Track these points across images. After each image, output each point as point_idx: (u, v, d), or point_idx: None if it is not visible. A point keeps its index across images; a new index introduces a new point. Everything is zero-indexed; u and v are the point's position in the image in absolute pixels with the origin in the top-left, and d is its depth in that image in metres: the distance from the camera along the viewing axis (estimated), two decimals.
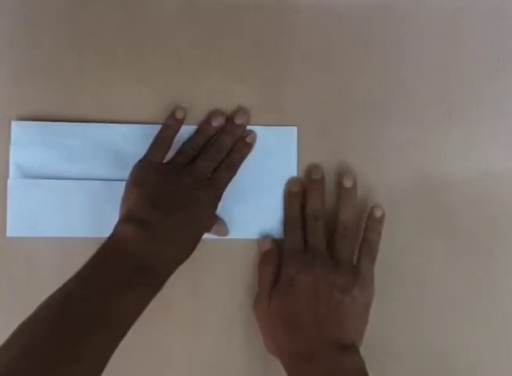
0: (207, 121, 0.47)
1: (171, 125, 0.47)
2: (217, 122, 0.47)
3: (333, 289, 0.42)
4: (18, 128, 0.47)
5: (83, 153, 0.47)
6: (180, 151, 0.47)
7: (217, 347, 0.47)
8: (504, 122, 0.49)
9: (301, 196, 0.47)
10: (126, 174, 0.44)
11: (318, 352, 0.41)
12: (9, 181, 0.46)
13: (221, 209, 0.46)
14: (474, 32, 0.49)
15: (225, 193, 0.46)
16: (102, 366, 0.36)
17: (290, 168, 0.48)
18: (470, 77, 0.49)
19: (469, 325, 0.47)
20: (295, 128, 0.48)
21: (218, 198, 0.45)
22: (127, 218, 0.41)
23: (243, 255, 0.47)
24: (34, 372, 0.33)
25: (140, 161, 0.45)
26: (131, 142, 0.47)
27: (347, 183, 0.46)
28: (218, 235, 0.47)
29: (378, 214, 0.46)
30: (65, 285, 0.37)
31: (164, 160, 0.46)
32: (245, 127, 0.48)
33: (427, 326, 0.47)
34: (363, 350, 0.42)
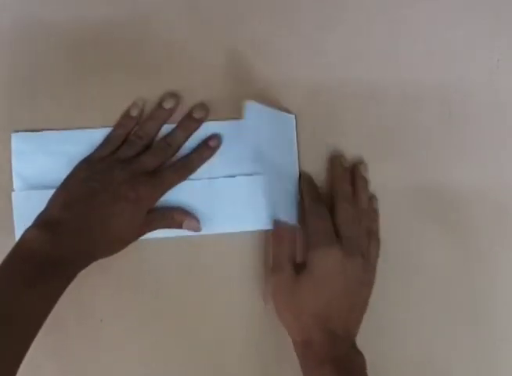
0: (159, 103, 0.45)
1: (124, 124, 0.46)
2: (168, 104, 0.45)
3: (362, 287, 0.44)
4: (18, 139, 0.47)
5: None
6: (127, 142, 0.45)
7: (216, 346, 0.47)
8: (504, 122, 0.49)
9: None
10: None
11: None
12: (13, 194, 0.46)
13: (220, 204, 0.46)
14: (474, 32, 0.49)
15: (223, 186, 0.45)
16: (15, 365, 0.36)
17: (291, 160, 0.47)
18: (470, 77, 0.49)
19: (468, 325, 0.48)
20: (292, 116, 0.48)
21: (156, 196, 0.44)
22: (35, 222, 0.41)
23: (241, 250, 0.47)
24: None
25: (82, 160, 0.45)
26: None
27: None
28: (192, 230, 0.45)
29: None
30: None
31: None
32: (201, 123, 0.46)
33: (428, 331, 0.48)
34: None
